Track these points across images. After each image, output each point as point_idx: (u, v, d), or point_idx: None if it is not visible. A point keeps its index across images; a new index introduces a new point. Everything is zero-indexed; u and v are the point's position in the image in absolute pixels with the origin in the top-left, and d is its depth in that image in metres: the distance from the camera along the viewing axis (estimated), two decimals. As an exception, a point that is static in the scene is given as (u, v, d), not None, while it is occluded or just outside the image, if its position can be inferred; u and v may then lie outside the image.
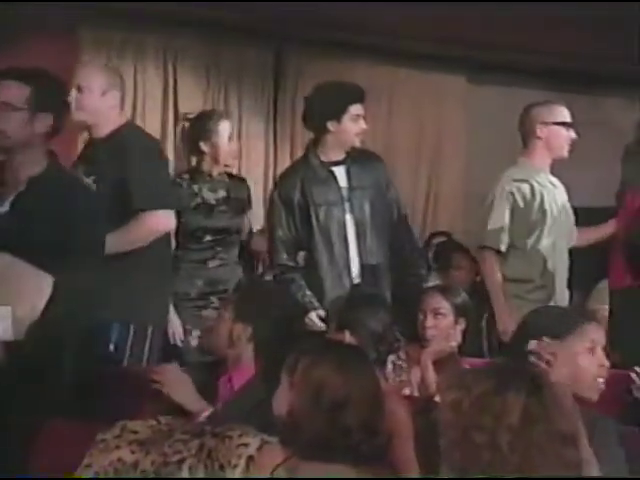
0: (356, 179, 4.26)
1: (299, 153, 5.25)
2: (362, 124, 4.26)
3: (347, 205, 4.23)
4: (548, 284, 4.51)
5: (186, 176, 4.65)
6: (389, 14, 5.87)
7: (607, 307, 4.49)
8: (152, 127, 6.02)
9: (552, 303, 4.42)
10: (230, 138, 4.68)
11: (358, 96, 4.27)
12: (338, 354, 2.41)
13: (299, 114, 4.52)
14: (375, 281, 4.21)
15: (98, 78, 3.97)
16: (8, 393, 2.91)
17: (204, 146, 4.62)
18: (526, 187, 4.53)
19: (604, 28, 6.06)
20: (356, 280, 4.19)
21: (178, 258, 4.50)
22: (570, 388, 2.44)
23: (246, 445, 2.27)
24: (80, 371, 3.10)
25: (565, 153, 4.61)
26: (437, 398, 3.04)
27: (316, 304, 4.13)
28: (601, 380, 2.59)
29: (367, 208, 4.24)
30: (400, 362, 3.86)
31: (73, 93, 3.87)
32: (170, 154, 5.65)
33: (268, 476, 2.22)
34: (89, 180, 3.85)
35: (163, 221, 3.91)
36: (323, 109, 4.23)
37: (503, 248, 4.48)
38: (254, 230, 4.96)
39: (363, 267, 4.20)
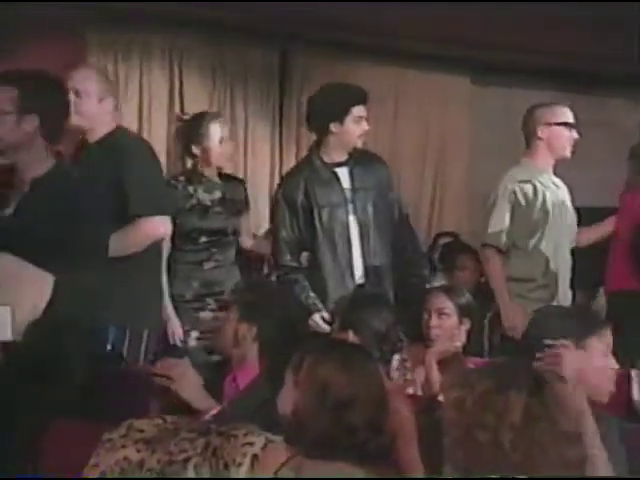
0: (359, 180, 4.27)
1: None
2: (364, 125, 4.27)
3: (350, 206, 4.24)
4: (550, 283, 4.51)
5: (182, 178, 4.63)
6: (389, 14, 5.88)
7: None
8: (158, 128, 6.04)
9: (555, 303, 4.43)
10: (222, 140, 4.62)
11: (360, 98, 4.28)
12: (343, 353, 2.40)
13: (304, 116, 4.52)
14: (378, 282, 4.21)
15: (95, 83, 3.96)
16: (8, 393, 2.91)
17: (195, 149, 4.59)
18: (529, 187, 4.53)
19: (604, 28, 6.07)
20: (359, 281, 4.19)
21: (174, 260, 4.49)
22: (584, 390, 2.44)
23: (251, 444, 2.27)
24: (81, 371, 3.10)
25: (568, 153, 4.61)
26: (441, 397, 3.05)
27: (320, 306, 4.13)
28: (612, 382, 2.60)
29: (370, 209, 4.25)
30: (404, 361, 3.88)
31: (71, 97, 3.87)
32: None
33: (272, 475, 2.23)
34: None
35: (159, 227, 3.90)
36: (326, 110, 4.23)
37: (504, 246, 4.49)
38: (258, 234, 4.95)
39: (367, 268, 4.21)
